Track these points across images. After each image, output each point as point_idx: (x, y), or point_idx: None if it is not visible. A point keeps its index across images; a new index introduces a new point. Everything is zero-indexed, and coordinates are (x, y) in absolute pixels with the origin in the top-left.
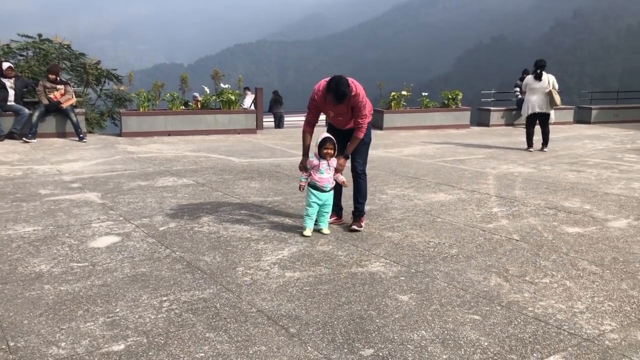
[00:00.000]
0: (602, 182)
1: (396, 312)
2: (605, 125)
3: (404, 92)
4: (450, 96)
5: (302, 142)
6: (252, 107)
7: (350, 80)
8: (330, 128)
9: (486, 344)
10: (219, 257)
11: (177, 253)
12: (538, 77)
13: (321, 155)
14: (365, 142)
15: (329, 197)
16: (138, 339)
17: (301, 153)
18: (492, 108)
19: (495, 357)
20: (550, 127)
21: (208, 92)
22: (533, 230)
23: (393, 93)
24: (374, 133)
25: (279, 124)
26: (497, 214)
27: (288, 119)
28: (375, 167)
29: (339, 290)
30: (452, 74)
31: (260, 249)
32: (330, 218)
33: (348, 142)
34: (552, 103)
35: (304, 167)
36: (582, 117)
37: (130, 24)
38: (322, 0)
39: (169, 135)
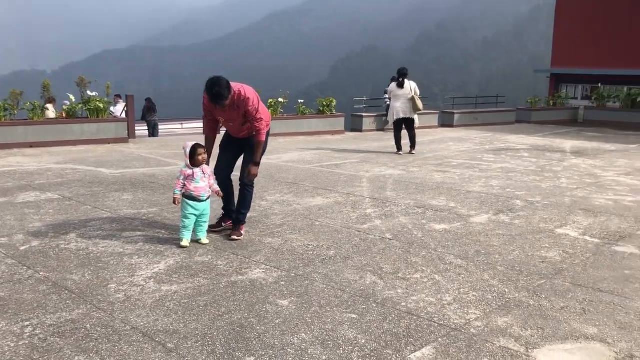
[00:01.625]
0: (464, 181)
1: (277, 318)
2: (466, 128)
3: (281, 99)
4: (325, 103)
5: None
6: (124, 116)
7: (240, 85)
8: (227, 135)
9: (363, 341)
10: (89, 274)
11: (41, 273)
12: (400, 85)
13: (195, 164)
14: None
15: (206, 207)
16: None
17: (177, 162)
18: (364, 114)
19: (373, 354)
20: (417, 130)
21: (74, 100)
22: (404, 228)
23: (270, 100)
24: None
25: (153, 132)
26: (371, 215)
27: (163, 127)
28: None
29: (219, 301)
30: (327, 81)
31: (135, 263)
32: (225, 223)
33: (247, 150)
34: (415, 108)
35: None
36: (446, 121)
37: None
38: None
39: (31, 147)
